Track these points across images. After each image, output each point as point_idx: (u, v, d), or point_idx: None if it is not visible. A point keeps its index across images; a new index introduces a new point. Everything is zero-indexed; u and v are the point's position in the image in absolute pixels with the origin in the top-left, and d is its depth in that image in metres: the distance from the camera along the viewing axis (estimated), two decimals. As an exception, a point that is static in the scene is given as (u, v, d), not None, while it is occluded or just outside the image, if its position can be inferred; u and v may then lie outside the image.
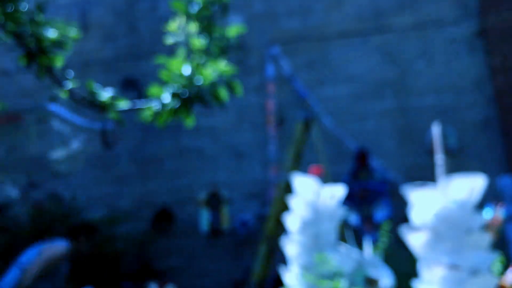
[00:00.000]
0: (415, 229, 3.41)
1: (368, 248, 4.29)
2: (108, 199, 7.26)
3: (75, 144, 6.00)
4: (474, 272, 3.16)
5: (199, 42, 4.03)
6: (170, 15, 7.92)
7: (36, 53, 5.34)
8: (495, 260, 3.46)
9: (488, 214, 5.47)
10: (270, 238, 6.07)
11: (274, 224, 6.06)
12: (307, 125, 6.27)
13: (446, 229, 3.30)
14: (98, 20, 7.75)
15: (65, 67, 7.22)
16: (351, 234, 5.16)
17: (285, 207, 6.36)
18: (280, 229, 6.34)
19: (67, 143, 6.15)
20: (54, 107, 5.97)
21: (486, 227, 4.91)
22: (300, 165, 6.42)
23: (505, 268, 4.15)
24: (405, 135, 6.97)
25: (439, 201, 3.39)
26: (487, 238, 3.33)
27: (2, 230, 5.94)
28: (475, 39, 7.06)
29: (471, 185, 3.42)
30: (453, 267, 3.15)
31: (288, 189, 6.31)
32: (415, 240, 3.40)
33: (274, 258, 6.35)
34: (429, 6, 7.20)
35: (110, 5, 7.79)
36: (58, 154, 6.40)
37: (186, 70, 3.99)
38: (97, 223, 6.39)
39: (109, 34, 7.72)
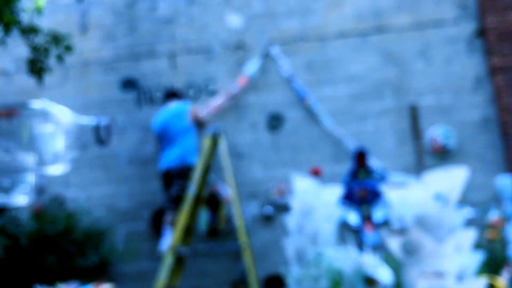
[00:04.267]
0: (395, 232, 3.29)
1: (367, 248, 4.28)
2: (107, 199, 7.26)
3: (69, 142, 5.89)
4: (460, 277, 3.04)
5: None
6: (170, 15, 7.96)
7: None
8: (480, 260, 3.36)
9: (492, 214, 5.46)
10: (176, 247, 6.14)
11: (180, 234, 6.14)
12: (215, 140, 6.41)
13: (428, 230, 3.19)
14: (98, 20, 7.76)
15: (65, 67, 7.20)
16: (350, 234, 5.17)
17: (192, 218, 6.48)
18: (187, 239, 6.43)
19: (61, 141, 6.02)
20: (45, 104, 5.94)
21: (489, 227, 4.90)
22: (207, 179, 6.56)
23: (501, 268, 4.14)
24: (405, 135, 6.98)
25: (420, 198, 3.27)
26: (470, 236, 3.19)
27: (3, 233, 5.90)
28: (474, 39, 7.07)
29: (452, 178, 3.29)
30: (438, 275, 3.05)
31: (197, 200, 6.43)
32: (395, 244, 3.25)
33: (182, 268, 6.42)
34: (428, 6, 7.21)
35: (110, 5, 7.79)
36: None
37: None
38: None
39: (109, 34, 7.72)
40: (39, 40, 5.78)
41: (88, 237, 6.31)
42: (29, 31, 5.57)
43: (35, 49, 5.75)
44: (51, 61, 5.99)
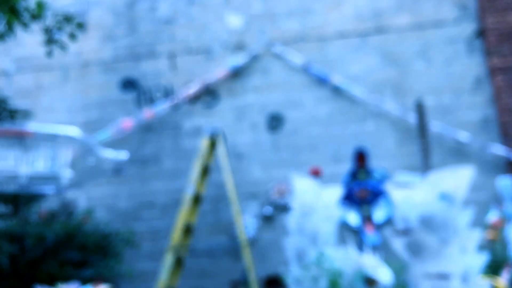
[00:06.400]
0: (399, 232, 3.25)
1: (367, 248, 4.28)
2: (107, 200, 7.26)
3: None
4: (465, 278, 3.01)
5: None
6: (170, 15, 7.95)
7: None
8: (485, 261, 3.34)
9: (492, 215, 5.45)
10: (176, 247, 6.16)
11: (180, 234, 6.17)
12: (213, 141, 6.44)
13: (432, 230, 3.14)
14: (98, 20, 7.75)
15: (65, 67, 7.20)
16: (350, 234, 5.17)
17: (191, 218, 6.50)
18: (186, 239, 6.45)
19: None
20: None
21: (489, 227, 4.89)
22: (207, 179, 6.61)
23: (501, 268, 4.14)
24: (405, 135, 6.97)
25: (425, 198, 3.23)
26: (476, 237, 3.16)
27: (11, 237, 5.88)
28: (474, 40, 7.07)
29: (457, 178, 3.26)
30: (442, 276, 3.01)
31: (196, 200, 6.45)
32: (400, 244, 3.21)
33: (181, 267, 6.43)
34: (428, 6, 7.21)
35: (110, 5, 7.79)
36: None
37: None
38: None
39: (109, 34, 7.72)
40: (50, 22, 5.85)
41: (93, 246, 6.26)
42: (38, 15, 5.60)
43: (47, 30, 5.80)
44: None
